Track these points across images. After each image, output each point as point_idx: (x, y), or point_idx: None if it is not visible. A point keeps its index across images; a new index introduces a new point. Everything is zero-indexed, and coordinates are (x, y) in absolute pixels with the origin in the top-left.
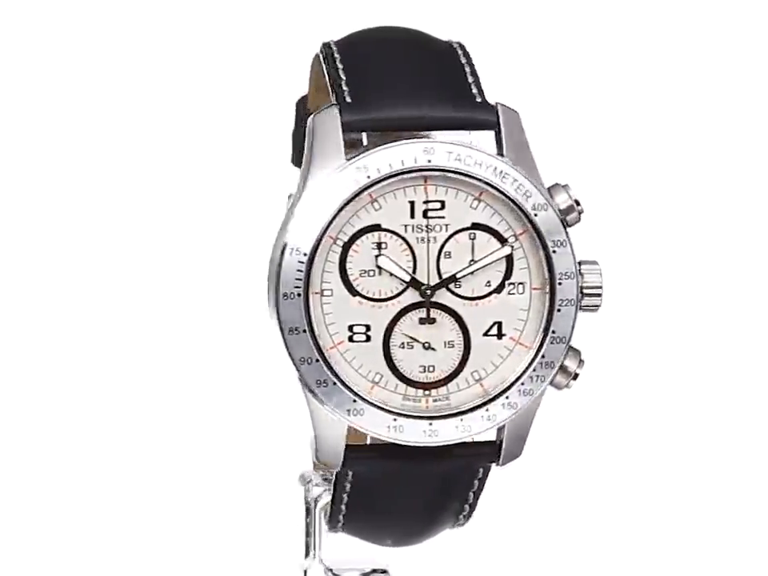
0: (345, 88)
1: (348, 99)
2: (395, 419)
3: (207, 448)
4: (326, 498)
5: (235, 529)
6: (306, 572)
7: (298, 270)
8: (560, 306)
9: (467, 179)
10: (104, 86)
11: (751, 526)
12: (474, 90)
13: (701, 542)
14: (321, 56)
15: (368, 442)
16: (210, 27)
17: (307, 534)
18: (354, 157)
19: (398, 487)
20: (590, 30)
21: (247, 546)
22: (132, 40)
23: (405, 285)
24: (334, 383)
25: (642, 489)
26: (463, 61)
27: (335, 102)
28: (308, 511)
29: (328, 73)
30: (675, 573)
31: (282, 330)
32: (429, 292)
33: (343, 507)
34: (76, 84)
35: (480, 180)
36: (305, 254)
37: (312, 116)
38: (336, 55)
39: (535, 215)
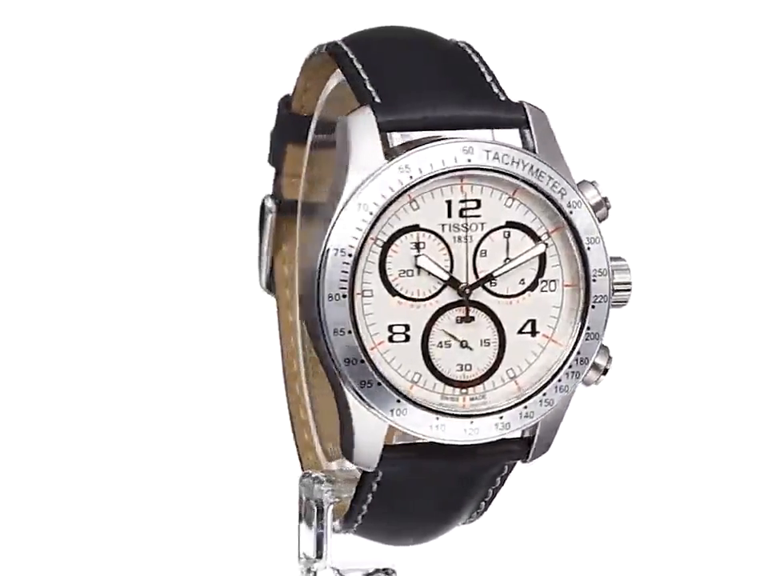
0: (370, 88)
1: (377, 99)
2: (438, 418)
3: (207, 448)
4: (334, 499)
5: (233, 530)
6: (315, 574)
7: (343, 272)
8: (594, 302)
9: (502, 177)
10: (78, 79)
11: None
12: (496, 89)
13: (708, 543)
14: (327, 55)
15: (394, 441)
16: (186, 25)
17: (318, 537)
18: (394, 157)
19: (427, 487)
20: (582, 29)
21: (247, 547)
22: (109, 38)
23: (442, 284)
24: (379, 384)
25: (649, 489)
26: (476, 60)
27: (366, 102)
28: (320, 513)
29: (346, 73)
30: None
31: (325, 331)
32: (467, 291)
33: (365, 508)
34: (53, 79)
35: (518, 178)
36: (349, 255)
37: (344, 116)
38: (351, 55)
39: (570, 212)
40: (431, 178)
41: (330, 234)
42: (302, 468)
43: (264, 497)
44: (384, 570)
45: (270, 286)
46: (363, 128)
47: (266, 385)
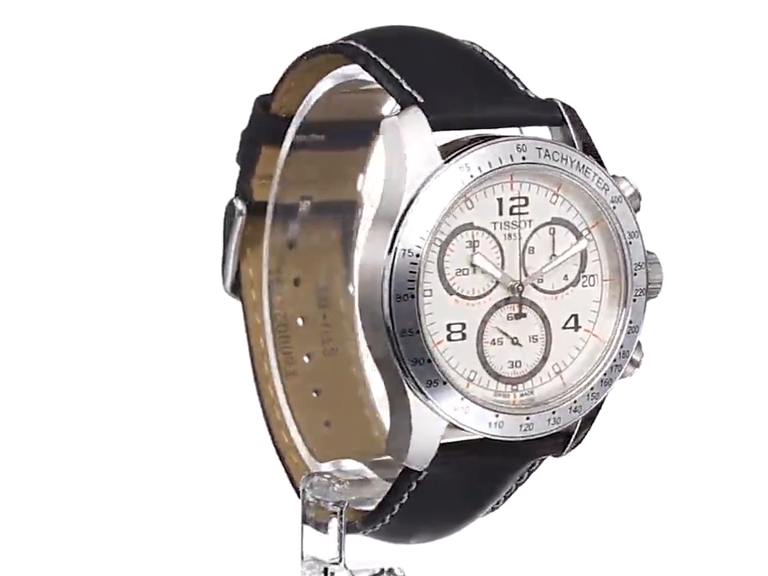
0: (408, 88)
1: (420, 99)
2: (497, 415)
3: (207, 449)
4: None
5: (232, 532)
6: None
7: (411, 272)
8: (635, 296)
9: (550, 174)
10: (49, 75)
11: None
12: (521, 87)
13: (712, 543)
14: (324, 56)
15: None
16: (156, 25)
17: (339, 539)
18: (453, 157)
19: (466, 484)
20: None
21: (246, 549)
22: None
23: (495, 281)
24: (444, 382)
25: (651, 489)
26: (490, 58)
27: (410, 103)
28: (340, 515)
29: (375, 73)
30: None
31: (394, 332)
32: (520, 288)
33: (396, 507)
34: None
35: (567, 175)
36: (417, 255)
37: (392, 117)
38: (374, 55)
39: (614, 207)
40: (490, 176)
41: (396, 235)
42: (285, 469)
43: (242, 499)
44: (389, 570)
45: (235, 289)
46: (416, 128)
47: (233, 387)
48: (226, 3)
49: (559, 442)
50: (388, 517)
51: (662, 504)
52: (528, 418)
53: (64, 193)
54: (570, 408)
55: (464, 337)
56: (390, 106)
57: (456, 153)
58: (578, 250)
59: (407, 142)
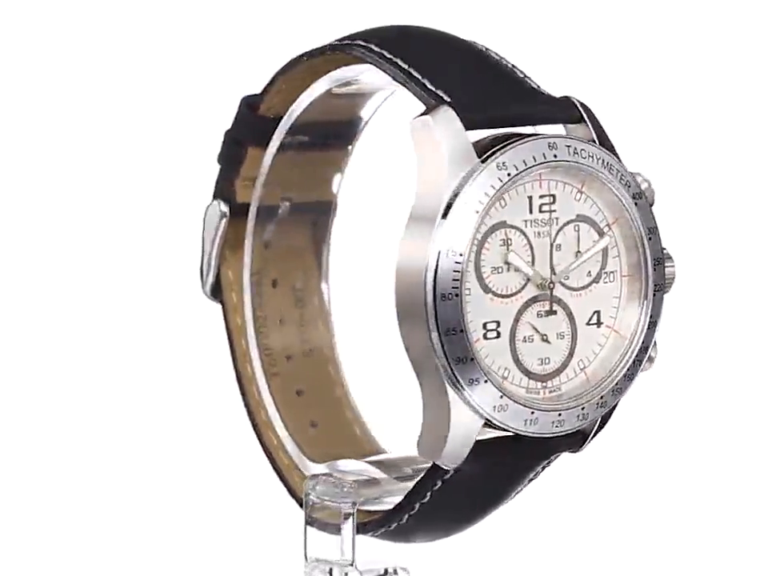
0: (431, 87)
1: (447, 98)
2: (533, 412)
3: (193, 452)
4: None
5: (226, 534)
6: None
7: (455, 271)
8: (654, 291)
9: (574, 172)
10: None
11: None
12: (534, 85)
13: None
14: (321, 57)
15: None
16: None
17: (353, 540)
18: (488, 155)
19: (490, 481)
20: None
21: (243, 551)
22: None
23: (526, 279)
24: (485, 380)
25: (655, 489)
26: (497, 57)
27: (439, 103)
28: (352, 516)
29: (395, 74)
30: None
31: (439, 331)
32: (551, 285)
33: (417, 506)
34: None
35: (594, 172)
36: (460, 255)
37: (423, 117)
38: (388, 55)
39: (636, 204)
40: (524, 174)
41: (438, 234)
42: (275, 470)
43: (236, 501)
44: (394, 570)
45: (215, 292)
46: (450, 127)
47: (217, 388)
48: (203, 4)
49: (578, 437)
50: (406, 516)
51: (663, 502)
52: (560, 415)
53: (40, 193)
54: (597, 404)
55: (498, 335)
56: (369, 107)
57: (491, 151)
58: (601, 246)
59: (443, 140)
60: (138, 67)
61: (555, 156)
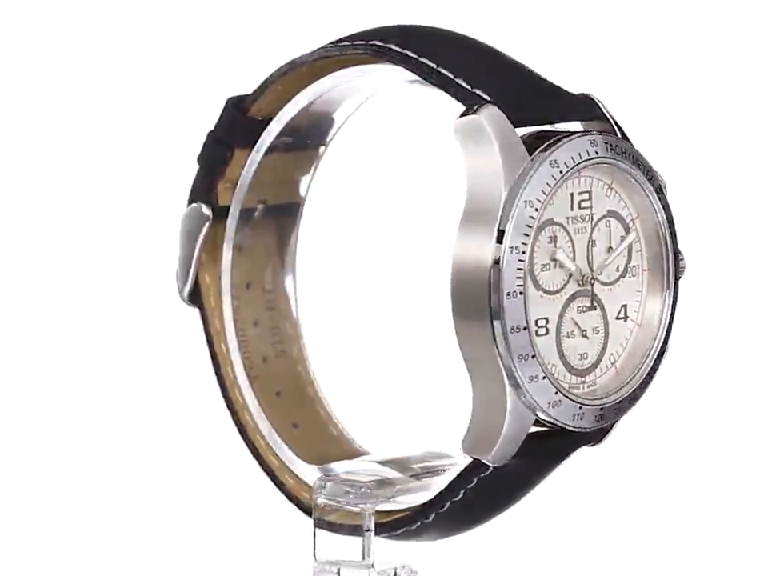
0: (467, 87)
1: (489, 98)
2: (580, 407)
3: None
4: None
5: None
6: None
7: (519, 269)
8: (674, 284)
9: (606, 168)
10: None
11: None
12: (552, 83)
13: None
14: (319, 58)
15: None
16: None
17: (369, 542)
18: (539, 153)
19: (522, 476)
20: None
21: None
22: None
23: (569, 275)
24: (543, 377)
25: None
26: (507, 54)
27: (483, 102)
28: (369, 517)
29: (424, 75)
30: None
31: (504, 330)
32: (592, 281)
33: (447, 504)
34: None
35: (627, 168)
36: (523, 252)
37: (472, 116)
38: (413, 55)
39: (659, 198)
40: (573, 171)
41: (502, 232)
42: (267, 472)
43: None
44: (403, 566)
45: (192, 297)
46: (501, 125)
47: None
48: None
49: (599, 431)
50: (433, 515)
51: (665, 500)
52: (602, 409)
53: (19, 195)
54: (630, 397)
55: (547, 332)
56: (344, 110)
57: (541, 149)
58: (629, 241)
59: (496, 139)
60: (108, 67)
61: (597, 153)
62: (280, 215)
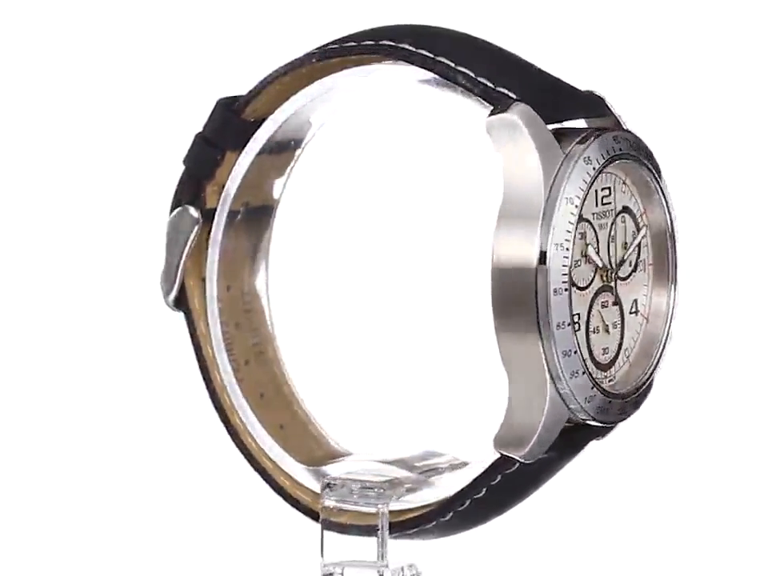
0: (491, 86)
1: (513, 96)
2: (610, 401)
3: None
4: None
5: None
6: None
7: (564, 266)
8: (677, 278)
9: (623, 164)
10: None
11: None
12: (560, 80)
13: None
14: (319, 60)
15: None
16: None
17: (383, 542)
18: (572, 150)
19: (540, 471)
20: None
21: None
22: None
23: (594, 271)
24: (584, 372)
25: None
26: (513, 53)
27: (512, 101)
28: (383, 517)
29: (447, 75)
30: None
31: (549, 326)
32: (615, 277)
33: (467, 502)
34: None
35: (645, 164)
36: (567, 249)
37: (503, 115)
38: (430, 55)
39: (666, 193)
40: (603, 168)
41: (546, 230)
42: (262, 474)
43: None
44: (410, 565)
45: (178, 302)
46: (534, 122)
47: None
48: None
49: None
50: (450, 514)
51: (664, 501)
52: (626, 402)
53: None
54: (644, 391)
55: (579, 327)
56: (322, 112)
57: (573, 146)
58: (642, 236)
59: (532, 136)
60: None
61: (621, 149)
62: (257, 216)
